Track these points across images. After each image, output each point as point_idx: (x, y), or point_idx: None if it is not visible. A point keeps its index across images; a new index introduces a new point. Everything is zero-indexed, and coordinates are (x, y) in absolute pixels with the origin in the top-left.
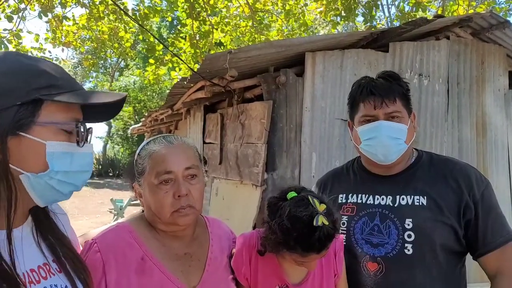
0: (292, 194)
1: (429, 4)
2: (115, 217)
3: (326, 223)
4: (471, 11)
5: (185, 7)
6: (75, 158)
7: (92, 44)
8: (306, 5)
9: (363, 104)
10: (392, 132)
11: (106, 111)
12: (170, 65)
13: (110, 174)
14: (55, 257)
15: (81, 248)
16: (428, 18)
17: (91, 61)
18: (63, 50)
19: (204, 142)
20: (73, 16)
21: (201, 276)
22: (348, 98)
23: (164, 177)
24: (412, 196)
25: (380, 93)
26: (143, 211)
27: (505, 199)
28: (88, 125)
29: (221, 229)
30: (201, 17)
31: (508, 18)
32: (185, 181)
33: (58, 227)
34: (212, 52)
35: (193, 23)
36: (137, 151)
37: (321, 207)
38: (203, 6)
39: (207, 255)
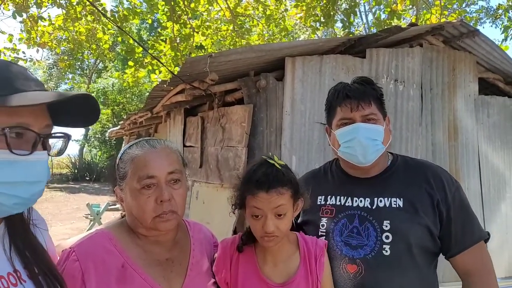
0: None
1: (403, 12)
2: (92, 222)
3: (278, 166)
4: (443, 19)
5: (166, 9)
6: (16, 167)
7: (69, 45)
8: (286, 10)
9: (340, 108)
10: (370, 134)
11: (84, 115)
12: (150, 67)
13: (87, 178)
14: (26, 264)
15: (58, 258)
16: (402, 26)
17: (67, 62)
18: (38, 51)
19: (184, 146)
20: (49, 16)
21: (183, 281)
22: (325, 104)
23: (146, 181)
24: (389, 198)
25: (356, 96)
26: (123, 216)
27: (476, 199)
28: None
29: (202, 233)
30: (182, 20)
31: (477, 27)
32: (167, 186)
33: (36, 237)
34: (192, 55)
35: (173, 26)
36: (119, 155)
37: (279, 162)
38: (184, 9)
39: (189, 260)
